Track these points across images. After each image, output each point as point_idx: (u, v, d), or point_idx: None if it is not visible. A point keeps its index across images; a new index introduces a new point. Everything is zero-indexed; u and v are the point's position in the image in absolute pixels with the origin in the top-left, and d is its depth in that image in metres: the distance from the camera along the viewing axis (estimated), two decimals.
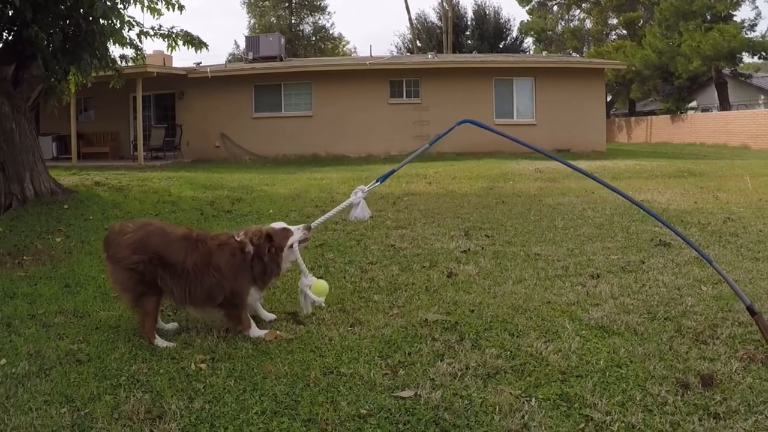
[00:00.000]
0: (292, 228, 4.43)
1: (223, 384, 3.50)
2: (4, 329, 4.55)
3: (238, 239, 4.24)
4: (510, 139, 4.98)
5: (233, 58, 52.60)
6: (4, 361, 3.93)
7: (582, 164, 17.61)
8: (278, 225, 4.46)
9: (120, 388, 3.47)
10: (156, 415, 3.15)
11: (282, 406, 3.23)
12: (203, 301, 4.23)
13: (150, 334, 4.18)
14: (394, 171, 5.19)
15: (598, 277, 5.50)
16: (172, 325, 4.49)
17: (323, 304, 4.51)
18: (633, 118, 46.81)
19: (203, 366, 3.74)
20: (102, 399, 3.34)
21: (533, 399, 3.19)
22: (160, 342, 4.14)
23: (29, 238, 8.29)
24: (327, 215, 4.99)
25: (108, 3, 9.75)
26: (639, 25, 48.70)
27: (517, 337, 4.06)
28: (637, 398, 3.19)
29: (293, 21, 60.33)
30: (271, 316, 4.61)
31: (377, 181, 5.04)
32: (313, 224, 4.71)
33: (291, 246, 4.37)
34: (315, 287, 4.41)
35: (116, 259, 4.22)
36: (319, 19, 61.32)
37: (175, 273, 4.16)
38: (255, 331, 4.23)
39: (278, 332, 4.27)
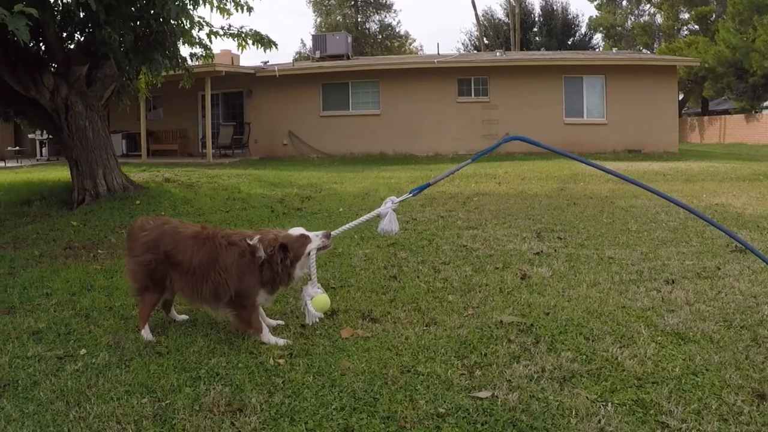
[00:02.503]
0: (311, 234, 4.26)
1: (301, 379, 3.56)
2: (83, 320, 4.74)
3: (251, 243, 4.16)
4: (559, 153, 4.69)
5: (300, 57, 53.26)
6: (84, 351, 4.10)
7: (654, 165, 17.33)
8: (296, 231, 4.29)
9: (200, 381, 3.58)
10: (236, 408, 3.24)
11: (361, 403, 3.28)
12: (211, 299, 4.26)
13: (141, 324, 4.38)
14: (429, 185, 4.98)
15: (673, 282, 5.43)
16: (275, 322, 4.57)
17: (317, 321, 4.32)
18: (706, 118, 45.52)
19: (281, 361, 3.82)
20: (182, 390, 3.45)
21: (609, 404, 3.20)
22: (146, 334, 4.32)
23: (103, 232, 8.60)
24: (351, 224, 4.72)
25: (179, 4, 10.00)
26: (711, 19, 47.46)
27: (593, 341, 4.07)
28: (713, 407, 3.17)
29: (359, 19, 60.68)
30: (273, 323, 4.53)
31: (410, 194, 4.80)
32: (333, 232, 4.48)
33: (309, 254, 4.23)
34: (316, 301, 4.22)
35: (132, 254, 4.47)
36: (385, 17, 61.61)
37: (183, 271, 4.25)
38: (267, 336, 4.20)
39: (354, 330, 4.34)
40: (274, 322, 4.55)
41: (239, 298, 4.19)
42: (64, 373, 3.75)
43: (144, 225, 4.54)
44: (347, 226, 4.71)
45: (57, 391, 3.49)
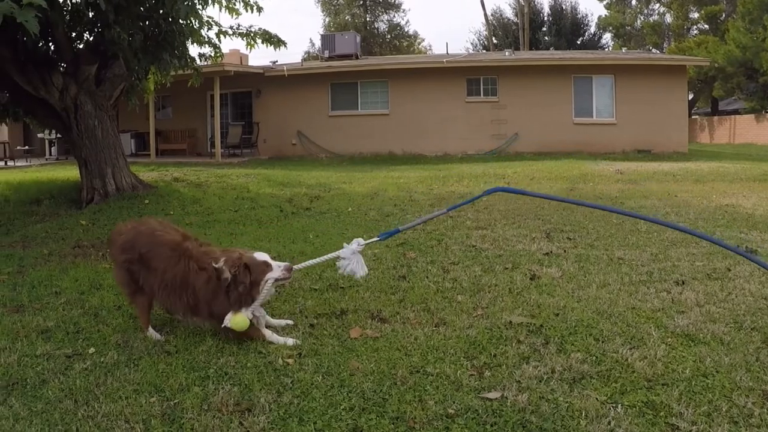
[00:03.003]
0: (273, 263, 4.18)
1: (310, 379, 3.55)
2: (91, 319, 4.74)
3: (216, 266, 4.04)
4: (548, 198, 4.71)
5: (308, 57, 53.34)
6: (92, 350, 4.10)
7: (664, 165, 17.27)
8: (260, 256, 4.21)
9: (208, 380, 3.57)
10: (245, 408, 3.23)
11: (370, 403, 3.26)
12: (188, 313, 4.25)
13: (144, 326, 4.39)
14: (398, 230, 5.09)
15: (683, 283, 5.40)
16: (284, 322, 4.54)
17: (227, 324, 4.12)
18: (715, 118, 45.25)
19: (290, 361, 3.81)
20: (191, 390, 3.44)
21: (619, 405, 3.18)
22: (153, 334, 4.32)
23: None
24: (314, 261, 4.71)
25: (188, 3, 10.01)
26: (721, 19, 47.28)
27: (603, 342, 4.04)
28: (723, 409, 3.14)
29: (368, 19, 60.70)
30: (282, 323, 4.51)
31: (379, 238, 4.87)
32: (296, 266, 4.44)
33: (267, 281, 4.14)
34: (234, 320, 4.06)
35: (112, 258, 4.56)
36: (394, 16, 61.59)
37: (157, 280, 4.21)
38: (274, 337, 4.19)
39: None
40: (282, 322, 4.53)
41: (220, 320, 4.18)
42: (72, 371, 3.75)
43: (121, 229, 4.57)
44: (311, 262, 4.71)
45: (65, 390, 3.49)
